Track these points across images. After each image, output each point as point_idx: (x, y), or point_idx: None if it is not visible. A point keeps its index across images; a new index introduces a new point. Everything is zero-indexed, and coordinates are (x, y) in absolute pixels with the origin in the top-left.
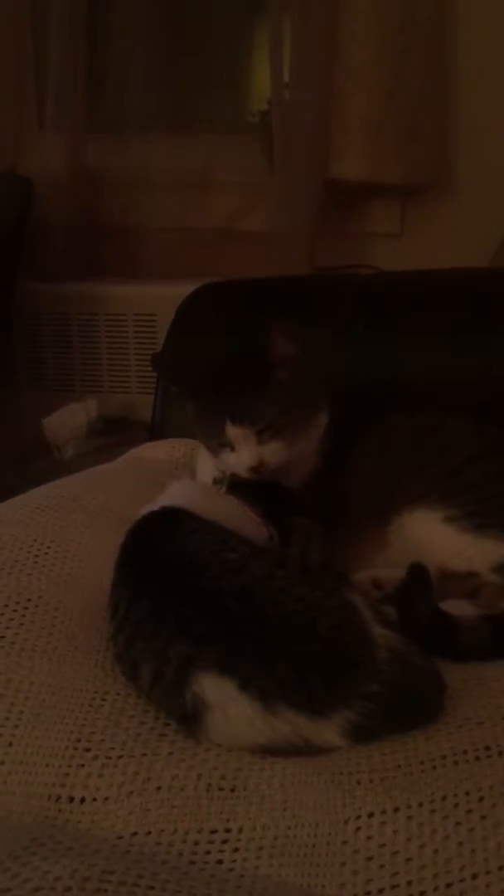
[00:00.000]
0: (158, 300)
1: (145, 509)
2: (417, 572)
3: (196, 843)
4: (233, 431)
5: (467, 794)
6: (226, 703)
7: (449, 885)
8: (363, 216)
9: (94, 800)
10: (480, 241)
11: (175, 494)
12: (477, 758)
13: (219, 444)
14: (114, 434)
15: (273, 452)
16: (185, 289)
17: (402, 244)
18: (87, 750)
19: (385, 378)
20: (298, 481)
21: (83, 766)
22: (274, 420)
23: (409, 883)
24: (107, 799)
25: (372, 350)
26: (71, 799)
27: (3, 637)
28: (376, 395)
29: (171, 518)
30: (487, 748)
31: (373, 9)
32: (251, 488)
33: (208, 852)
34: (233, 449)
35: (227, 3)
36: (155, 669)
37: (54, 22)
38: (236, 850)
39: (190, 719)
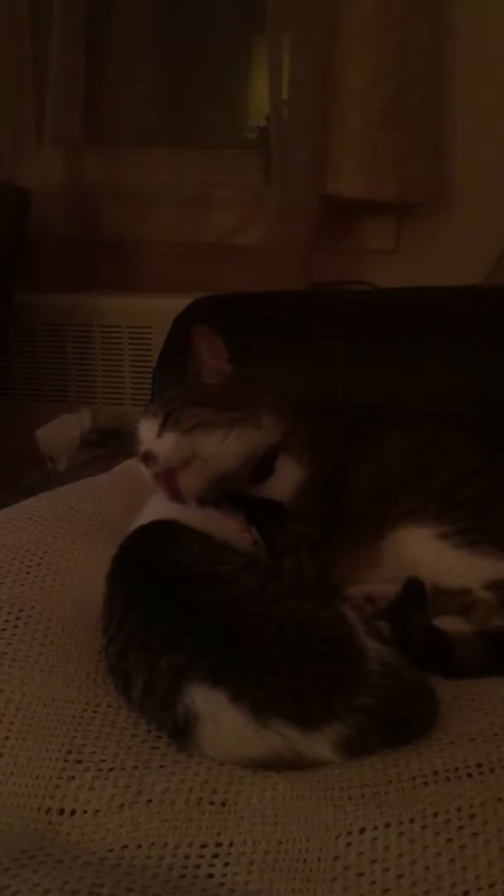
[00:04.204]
0: (154, 313)
1: (136, 523)
2: (414, 587)
3: (187, 857)
4: (141, 425)
5: (459, 810)
6: (217, 715)
7: None
8: (359, 233)
9: (85, 812)
10: (475, 258)
11: (158, 507)
12: (469, 774)
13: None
14: (107, 446)
15: (168, 444)
16: (180, 302)
17: (397, 261)
18: (79, 762)
19: (381, 394)
20: (204, 491)
21: (74, 778)
22: (172, 410)
23: None
24: (97, 811)
25: (367, 366)
26: (61, 811)
27: None
28: (373, 410)
29: (165, 530)
30: (479, 765)
31: (370, 28)
32: (232, 497)
33: (199, 866)
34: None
35: (226, 19)
36: (146, 681)
37: (54, 35)
38: (227, 864)
39: (181, 732)
